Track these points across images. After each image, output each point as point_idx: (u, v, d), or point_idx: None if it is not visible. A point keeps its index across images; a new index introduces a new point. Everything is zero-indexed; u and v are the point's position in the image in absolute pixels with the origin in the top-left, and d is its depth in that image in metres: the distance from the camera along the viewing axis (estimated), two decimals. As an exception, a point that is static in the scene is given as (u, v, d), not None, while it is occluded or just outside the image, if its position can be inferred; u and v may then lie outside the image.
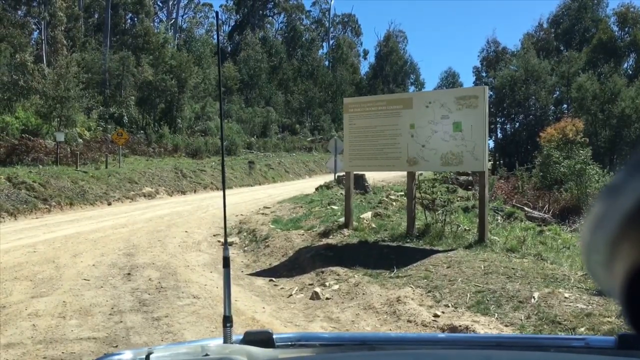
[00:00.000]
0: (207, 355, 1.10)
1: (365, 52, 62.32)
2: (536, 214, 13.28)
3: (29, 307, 4.97)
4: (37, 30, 32.06)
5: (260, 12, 52.38)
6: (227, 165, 22.33)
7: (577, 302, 4.40)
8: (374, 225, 7.92)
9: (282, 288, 5.99)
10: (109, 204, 14.46)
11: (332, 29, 56.67)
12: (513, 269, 5.41)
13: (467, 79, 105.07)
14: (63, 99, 19.28)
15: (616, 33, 39.85)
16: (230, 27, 52.54)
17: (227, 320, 1.29)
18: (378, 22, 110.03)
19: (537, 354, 1.18)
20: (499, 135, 40.62)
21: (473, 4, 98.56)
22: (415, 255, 6.28)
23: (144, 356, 1.07)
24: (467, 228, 7.50)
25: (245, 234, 9.35)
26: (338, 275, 5.98)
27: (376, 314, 4.82)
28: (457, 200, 10.36)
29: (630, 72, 38.57)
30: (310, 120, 43.66)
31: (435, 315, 4.58)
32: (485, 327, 4.21)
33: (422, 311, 4.67)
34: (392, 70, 54.49)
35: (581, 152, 18.44)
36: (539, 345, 1.24)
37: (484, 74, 44.37)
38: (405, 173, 7.68)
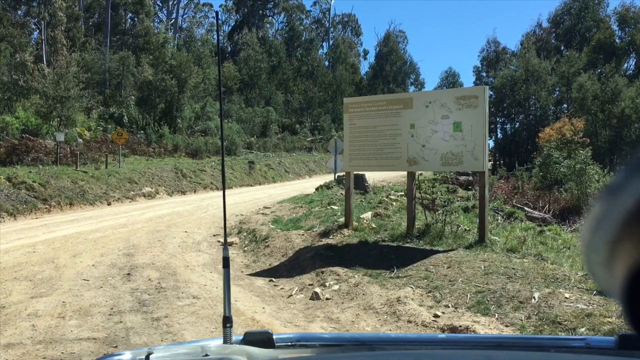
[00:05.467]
0: (207, 355, 1.10)
1: (365, 52, 62.52)
2: (536, 214, 13.29)
3: (28, 308, 4.97)
4: (37, 30, 32.10)
5: (260, 12, 52.42)
6: (227, 165, 22.33)
7: (577, 303, 4.40)
8: (374, 225, 7.92)
9: (282, 288, 5.98)
10: (109, 204, 14.46)
11: (332, 29, 56.71)
12: (513, 269, 5.41)
13: (467, 79, 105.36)
14: (63, 98, 19.30)
15: (616, 33, 39.88)
16: (230, 27, 52.59)
17: (227, 321, 1.29)
18: (378, 22, 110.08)
19: (537, 354, 1.17)
20: (499, 135, 40.67)
21: (473, 4, 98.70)
22: (416, 256, 6.28)
23: (143, 356, 1.07)
24: (467, 228, 7.50)
25: (245, 234, 9.34)
26: (338, 275, 5.98)
27: (376, 314, 4.82)
28: (457, 200, 10.37)
29: (631, 72, 38.58)
30: (310, 120, 43.66)
31: (436, 316, 4.58)
32: (485, 327, 4.21)
33: (422, 311, 4.67)
34: (392, 70, 54.53)
35: (581, 152, 18.44)
36: (540, 345, 1.24)
37: (484, 74, 44.39)
38: (405, 173, 7.68)
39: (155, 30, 36.67)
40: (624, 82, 33.03)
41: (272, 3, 53.29)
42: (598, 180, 17.17)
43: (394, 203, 10.25)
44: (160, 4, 46.19)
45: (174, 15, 45.75)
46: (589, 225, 0.38)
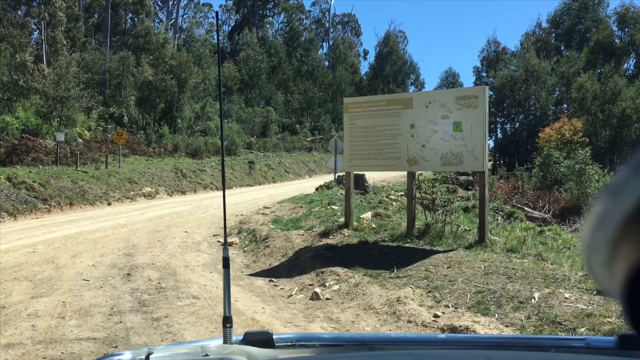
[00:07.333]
0: (207, 355, 1.10)
1: (365, 52, 62.50)
2: (536, 214, 13.29)
3: (28, 308, 4.97)
4: (37, 30, 32.09)
5: (260, 12, 52.41)
6: (227, 165, 22.33)
7: (577, 303, 4.40)
8: (374, 225, 7.92)
9: (282, 288, 5.98)
10: (109, 204, 14.46)
11: (332, 29, 56.70)
12: (513, 269, 5.41)
13: (467, 79, 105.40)
14: (63, 98, 19.27)
15: (616, 33, 39.88)
16: (230, 27, 52.60)
17: (227, 321, 1.29)
18: (378, 22, 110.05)
19: (537, 354, 1.17)
20: (499, 135, 40.69)
21: (473, 4, 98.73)
22: (416, 256, 6.28)
23: (143, 356, 1.07)
24: (467, 228, 7.50)
25: (245, 234, 9.34)
26: (338, 275, 5.98)
27: (376, 314, 4.82)
28: (457, 200, 10.37)
29: (631, 72, 38.58)
30: (310, 120, 43.65)
31: (436, 316, 4.58)
32: (485, 327, 4.21)
33: (422, 311, 4.67)
34: (392, 70, 54.52)
35: (581, 152, 18.43)
36: (540, 345, 1.24)
37: (484, 74, 44.41)
38: (405, 173, 7.68)
39: (155, 31, 36.67)
40: (623, 82, 33.03)
41: (272, 3, 53.29)
42: (598, 180, 17.17)
43: (394, 203, 10.25)
44: (160, 4, 46.21)
45: (174, 16, 45.74)
46: (589, 225, 0.38)
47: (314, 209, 10.13)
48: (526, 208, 13.50)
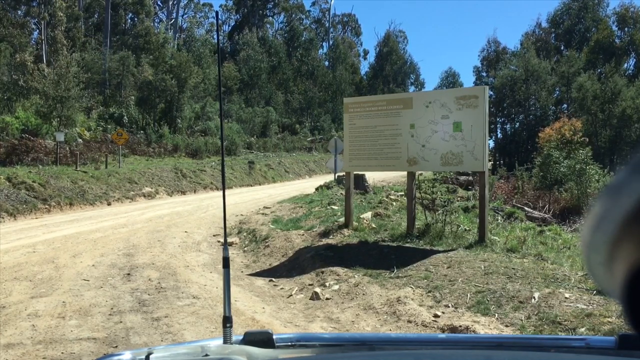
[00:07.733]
0: (207, 355, 1.10)
1: (365, 52, 62.55)
2: (536, 214, 13.29)
3: (28, 308, 4.97)
4: (37, 30, 32.10)
5: (260, 12, 52.41)
6: (227, 165, 22.33)
7: (577, 302, 4.40)
8: (374, 225, 7.92)
9: (282, 288, 5.98)
10: (109, 204, 14.45)
11: (332, 29, 56.70)
12: (513, 269, 5.41)
13: (468, 79, 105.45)
14: (63, 98, 19.27)
15: (616, 33, 39.90)
16: (230, 27, 52.60)
17: (227, 321, 1.29)
18: (378, 22, 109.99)
19: (537, 354, 1.17)
20: (499, 135, 40.68)
21: (473, 4, 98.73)
22: (416, 255, 6.28)
23: (143, 356, 1.07)
24: (467, 228, 7.50)
25: (245, 234, 9.34)
26: (338, 275, 5.98)
27: (376, 314, 4.82)
28: (457, 200, 10.37)
29: (631, 72, 38.59)
30: (310, 120, 43.65)
31: (436, 316, 4.58)
32: (485, 327, 4.21)
33: (422, 311, 4.67)
34: (392, 70, 54.51)
35: (581, 152, 18.43)
36: (540, 345, 1.24)
37: (484, 74, 44.39)
38: (405, 173, 7.68)
39: (155, 30, 36.68)
40: (623, 82, 33.03)
41: (272, 3, 53.28)
42: (598, 180, 17.17)
43: (394, 203, 10.25)
44: (160, 4, 46.21)
45: (174, 15, 45.75)
46: (589, 225, 0.38)
47: (314, 209, 10.13)
48: (526, 208, 13.50)
